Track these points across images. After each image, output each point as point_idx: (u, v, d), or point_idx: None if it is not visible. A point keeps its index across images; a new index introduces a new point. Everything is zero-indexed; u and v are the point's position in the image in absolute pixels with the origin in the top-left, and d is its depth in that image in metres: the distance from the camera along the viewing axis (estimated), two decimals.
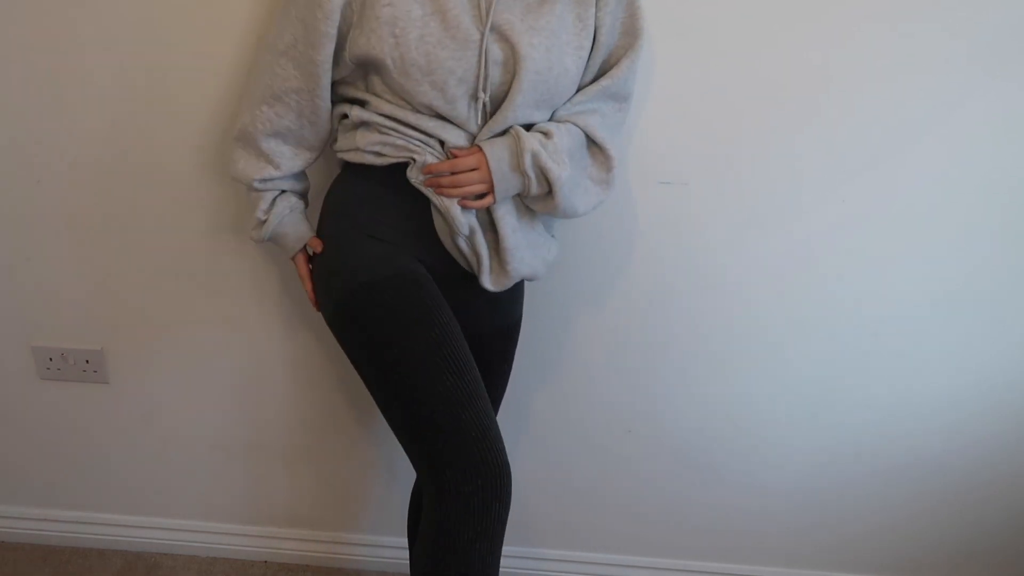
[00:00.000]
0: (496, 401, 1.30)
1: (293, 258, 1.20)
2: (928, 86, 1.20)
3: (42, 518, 1.70)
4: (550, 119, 1.11)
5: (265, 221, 1.17)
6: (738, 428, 1.49)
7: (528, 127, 1.09)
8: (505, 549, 1.69)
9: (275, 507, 1.66)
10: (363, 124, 1.10)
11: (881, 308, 1.36)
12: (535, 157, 1.06)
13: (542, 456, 1.55)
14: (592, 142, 1.13)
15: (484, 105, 1.05)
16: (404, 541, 1.63)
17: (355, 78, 1.11)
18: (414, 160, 1.07)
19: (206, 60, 1.24)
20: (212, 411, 1.56)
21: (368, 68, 1.07)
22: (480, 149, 1.06)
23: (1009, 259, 1.31)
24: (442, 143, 1.07)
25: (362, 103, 1.10)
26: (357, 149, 1.11)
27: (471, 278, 1.15)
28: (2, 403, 1.59)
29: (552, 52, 1.04)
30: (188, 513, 1.68)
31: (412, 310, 1.06)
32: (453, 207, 1.08)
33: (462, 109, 1.05)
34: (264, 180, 1.14)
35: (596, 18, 1.08)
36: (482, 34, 1.01)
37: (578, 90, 1.11)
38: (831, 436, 1.49)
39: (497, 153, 1.06)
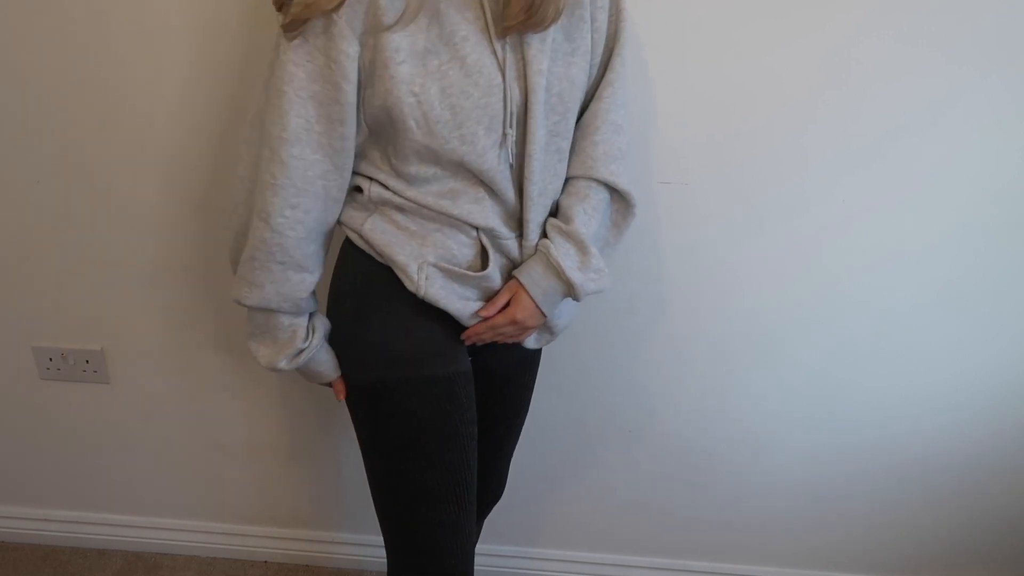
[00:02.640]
0: (518, 429, 1.29)
1: (331, 383, 1.10)
2: (926, 85, 1.19)
3: (42, 518, 1.70)
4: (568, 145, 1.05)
5: (304, 350, 1.03)
6: (738, 428, 1.49)
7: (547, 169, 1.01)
8: (505, 549, 1.69)
9: (275, 507, 1.66)
10: (382, 205, 1.00)
11: (881, 307, 1.36)
12: (588, 293, 1.03)
13: (542, 456, 1.55)
14: (616, 194, 1.06)
15: (511, 145, 0.96)
16: None
17: (364, 148, 1.00)
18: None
19: (208, 60, 1.24)
20: (212, 411, 1.56)
21: (381, 134, 0.97)
22: (520, 293, 1.02)
23: (1011, 256, 1.31)
24: (475, 230, 1.00)
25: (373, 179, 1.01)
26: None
27: None
28: (2, 403, 1.59)
29: (556, 65, 0.97)
30: (188, 513, 1.68)
31: (443, 426, 1.02)
32: (451, 311, 1.02)
33: (492, 159, 0.96)
34: (307, 295, 1.02)
35: (591, 13, 1.01)
36: (503, 73, 0.93)
37: (586, 107, 1.05)
38: (831, 436, 1.49)
39: (548, 298, 1.03)
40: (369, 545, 1.66)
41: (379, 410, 1.04)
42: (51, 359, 1.52)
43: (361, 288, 1.04)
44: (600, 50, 1.03)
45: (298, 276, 0.99)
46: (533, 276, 1.02)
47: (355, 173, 1.00)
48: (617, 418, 1.51)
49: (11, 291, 1.46)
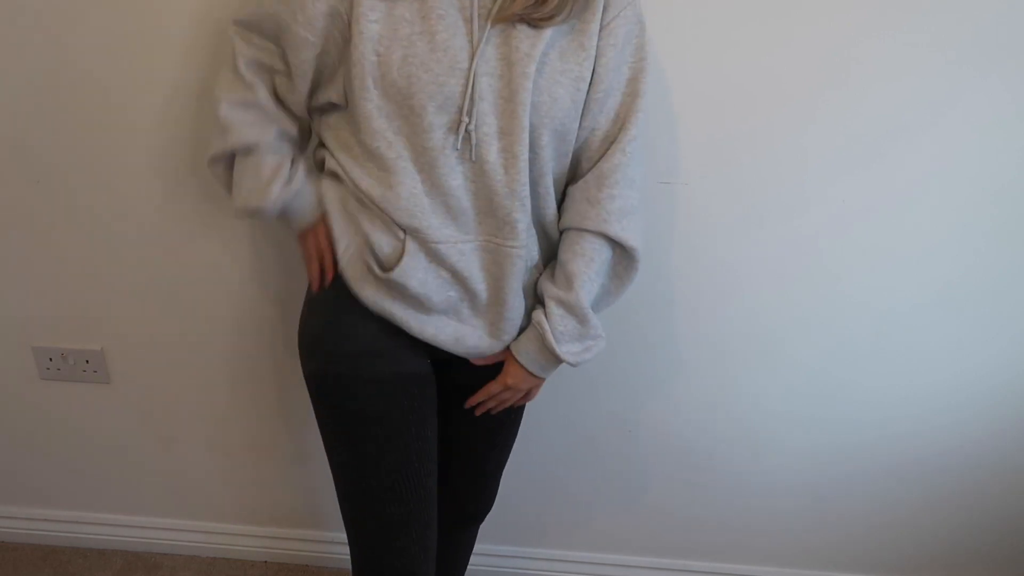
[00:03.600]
0: (502, 446, 1.28)
1: (303, 233, 1.07)
2: (926, 85, 1.19)
3: (42, 518, 1.70)
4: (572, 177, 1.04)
5: (288, 183, 1.01)
6: (738, 428, 1.49)
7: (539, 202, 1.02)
8: (505, 549, 1.69)
9: (275, 507, 1.66)
10: (336, 178, 1.03)
11: (881, 307, 1.36)
12: (576, 357, 1.06)
13: (542, 456, 1.55)
14: (619, 248, 1.04)
15: (469, 135, 0.94)
16: None
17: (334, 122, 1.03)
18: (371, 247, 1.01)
19: (209, 61, 1.24)
20: (212, 411, 1.56)
21: (348, 102, 0.98)
22: (512, 362, 1.07)
23: (1011, 256, 1.31)
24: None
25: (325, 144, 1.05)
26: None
27: None
28: (2, 403, 1.59)
29: (541, 77, 0.94)
30: (188, 513, 1.68)
31: (383, 425, 1.04)
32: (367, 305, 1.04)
33: (437, 139, 0.95)
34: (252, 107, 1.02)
35: (598, 47, 0.96)
36: (471, 60, 0.92)
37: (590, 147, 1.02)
38: (831, 436, 1.49)
39: (543, 369, 1.07)
40: None
41: (321, 402, 1.07)
42: (51, 359, 1.52)
43: (318, 297, 1.07)
44: (603, 87, 0.98)
45: (244, 88, 1.02)
46: (529, 354, 1.06)
47: (321, 147, 1.06)
48: (617, 418, 1.51)
49: (11, 291, 1.46)
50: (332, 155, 1.03)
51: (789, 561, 1.62)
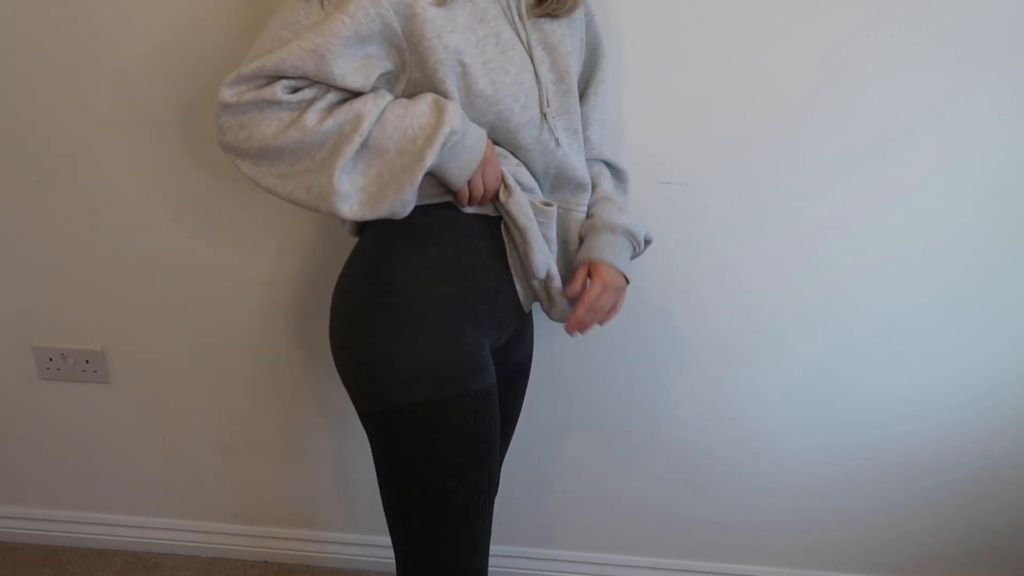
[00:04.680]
0: (509, 435, 1.28)
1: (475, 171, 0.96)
2: (926, 84, 1.19)
3: (42, 518, 1.70)
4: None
5: (454, 130, 0.90)
6: (738, 428, 1.49)
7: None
8: (505, 549, 1.69)
9: (275, 507, 1.66)
10: None
11: (881, 308, 1.36)
12: (641, 233, 1.10)
13: (542, 456, 1.55)
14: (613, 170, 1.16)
15: (553, 124, 1.00)
16: None
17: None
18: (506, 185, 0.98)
19: (210, 61, 1.24)
20: (212, 411, 1.56)
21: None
22: (599, 265, 1.05)
23: (1011, 255, 1.31)
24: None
25: None
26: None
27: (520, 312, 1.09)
28: (2, 403, 1.59)
29: (574, 55, 1.03)
30: (188, 513, 1.68)
31: (485, 440, 0.99)
32: (534, 248, 0.99)
33: (527, 138, 0.99)
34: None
35: (587, 13, 1.08)
36: (530, 53, 0.97)
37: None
38: (831, 435, 1.49)
39: (620, 259, 1.06)
40: (369, 545, 1.66)
41: (422, 430, 0.97)
42: (51, 359, 1.52)
43: (401, 296, 0.97)
44: (587, 47, 1.11)
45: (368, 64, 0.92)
46: (596, 245, 1.06)
47: None
48: (617, 418, 1.51)
49: (11, 291, 1.46)
50: None
51: (789, 561, 1.62)
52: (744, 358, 1.43)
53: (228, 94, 0.88)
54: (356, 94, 0.90)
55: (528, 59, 0.96)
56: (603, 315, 1.07)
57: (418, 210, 0.95)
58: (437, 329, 0.96)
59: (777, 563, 1.63)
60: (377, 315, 0.97)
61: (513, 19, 0.95)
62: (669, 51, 1.20)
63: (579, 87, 1.09)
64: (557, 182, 1.05)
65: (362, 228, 1.08)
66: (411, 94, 0.93)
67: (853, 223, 1.30)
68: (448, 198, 0.99)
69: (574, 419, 1.52)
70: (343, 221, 1.09)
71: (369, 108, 0.88)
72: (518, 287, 1.05)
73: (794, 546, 1.61)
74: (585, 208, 1.09)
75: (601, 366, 1.45)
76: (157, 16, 1.21)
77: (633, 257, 1.11)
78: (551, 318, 1.09)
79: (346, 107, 0.88)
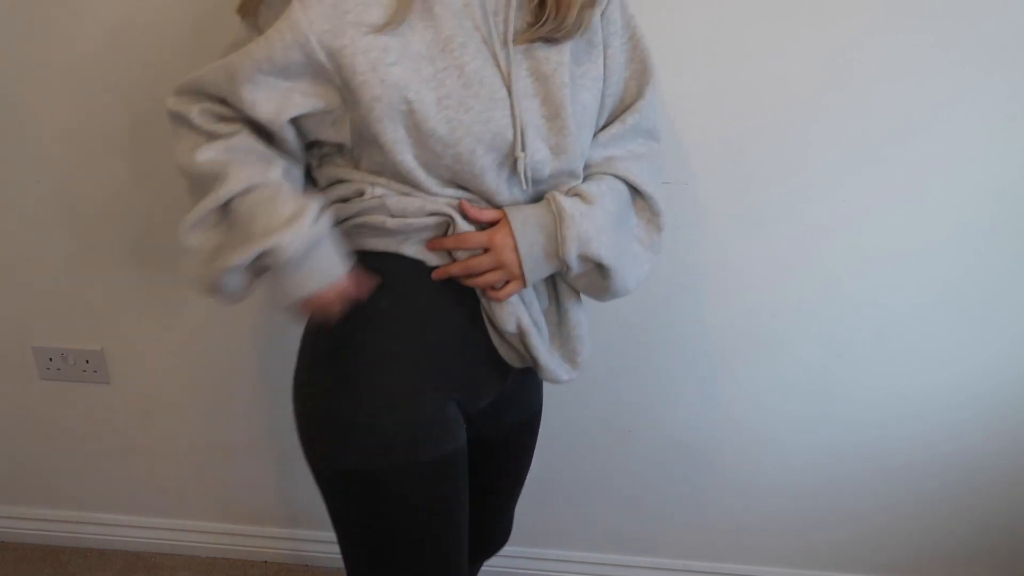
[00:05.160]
0: (523, 478, 1.21)
1: (321, 295, 0.86)
2: (929, 87, 1.19)
3: (42, 518, 1.70)
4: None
5: (315, 221, 0.83)
6: (738, 428, 1.49)
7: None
8: (505, 549, 1.69)
9: (275, 507, 1.66)
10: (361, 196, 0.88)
11: (881, 308, 1.36)
12: (584, 245, 0.87)
13: (542, 456, 1.55)
14: (637, 195, 0.95)
15: (526, 170, 0.85)
16: None
17: (333, 151, 0.90)
18: (453, 222, 0.86)
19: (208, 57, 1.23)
20: (212, 411, 1.56)
21: (361, 143, 0.85)
22: (504, 221, 0.87)
23: (1012, 256, 1.31)
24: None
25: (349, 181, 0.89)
26: (363, 223, 0.88)
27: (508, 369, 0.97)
28: (2, 403, 1.59)
29: (571, 86, 0.87)
30: (188, 513, 1.68)
31: (440, 511, 0.92)
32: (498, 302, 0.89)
33: (492, 182, 0.85)
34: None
35: (603, 39, 0.92)
36: (508, 88, 0.83)
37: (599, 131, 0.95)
38: (832, 435, 1.49)
39: (529, 237, 0.86)
40: None
41: (366, 497, 0.90)
42: (51, 359, 1.52)
43: (344, 352, 0.89)
44: (615, 79, 0.94)
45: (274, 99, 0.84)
46: (524, 217, 0.87)
47: (341, 181, 0.90)
48: (617, 418, 1.51)
49: (11, 291, 1.46)
50: (366, 184, 0.87)
51: (789, 561, 1.62)
52: (745, 358, 1.43)
53: (170, 102, 0.88)
54: (268, 131, 0.84)
55: (505, 93, 0.83)
56: (473, 282, 0.89)
57: (372, 257, 0.89)
58: (383, 391, 0.88)
59: (777, 563, 1.63)
60: (324, 369, 0.91)
61: (493, 47, 0.83)
62: (670, 52, 1.19)
63: (608, 117, 0.95)
64: None
65: None
66: (357, 141, 0.85)
67: (854, 224, 1.29)
68: (406, 252, 0.89)
69: (574, 419, 1.52)
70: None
71: (246, 175, 0.82)
72: (495, 343, 0.94)
73: (794, 546, 1.61)
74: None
75: (601, 366, 1.45)
76: (160, 17, 1.21)
77: (564, 275, 0.92)
78: (541, 378, 0.97)
79: (235, 161, 0.83)
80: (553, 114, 0.86)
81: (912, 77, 1.19)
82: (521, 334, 0.91)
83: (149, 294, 1.44)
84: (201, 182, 0.85)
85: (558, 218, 0.87)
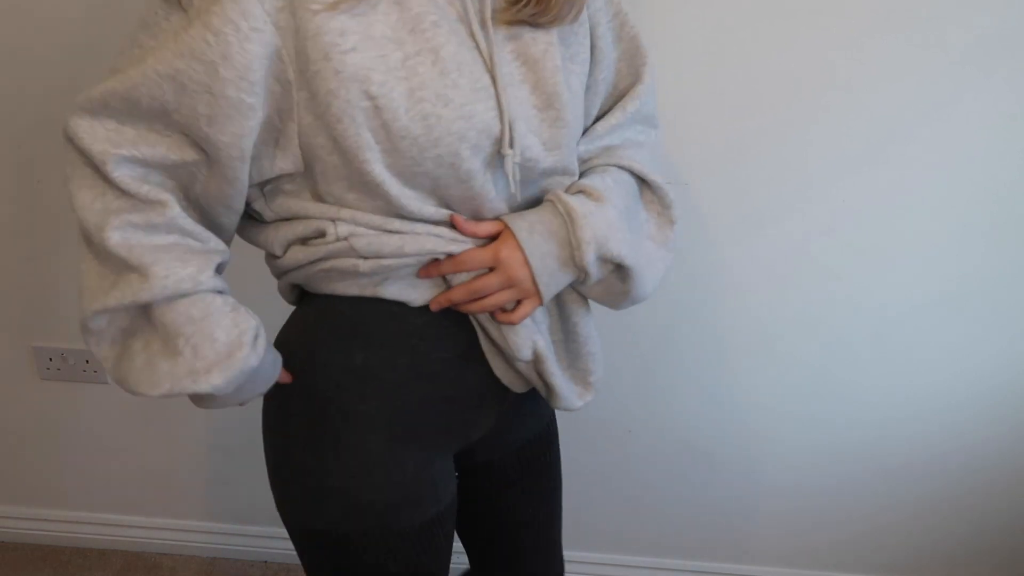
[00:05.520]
0: (559, 503, 1.07)
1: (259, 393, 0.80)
2: (928, 86, 1.19)
3: (42, 518, 1.70)
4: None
5: (255, 341, 0.73)
6: (738, 428, 1.49)
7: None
8: None
9: (275, 507, 1.66)
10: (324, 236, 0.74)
11: (881, 308, 1.36)
12: (602, 246, 0.76)
13: None
14: (644, 186, 0.85)
15: (513, 170, 0.73)
16: None
17: (282, 179, 0.74)
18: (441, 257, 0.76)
19: None
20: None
21: (315, 163, 0.71)
22: (507, 232, 0.76)
23: (1012, 256, 1.31)
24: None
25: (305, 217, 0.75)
26: (328, 267, 0.76)
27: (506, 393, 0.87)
28: (2, 403, 1.59)
29: (563, 71, 0.76)
30: (188, 513, 1.68)
31: (426, 571, 0.84)
32: (510, 327, 0.78)
33: (479, 186, 0.73)
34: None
35: (590, 16, 0.80)
36: (491, 74, 0.70)
37: (595, 121, 0.85)
38: (831, 435, 1.49)
39: (539, 246, 0.75)
40: None
41: (336, 560, 0.83)
42: (51, 359, 1.52)
43: (315, 408, 0.80)
44: (607, 63, 0.83)
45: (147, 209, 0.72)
46: (529, 225, 0.76)
47: (298, 218, 0.76)
48: (617, 418, 1.51)
49: (11, 291, 1.46)
50: (326, 221, 0.74)
51: (789, 561, 1.62)
52: (745, 358, 1.43)
53: (72, 125, 0.69)
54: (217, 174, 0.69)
55: (488, 81, 0.70)
56: (480, 306, 0.78)
57: (344, 302, 0.78)
58: (357, 453, 0.78)
59: (777, 563, 1.63)
60: (296, 421, 0.81)
61: (471, 26, 0.70)
62: (669, 53, 1.19)
63: (602, 106, 0.86)
64: None
65: (300, 297, 0.88)
66: (310, 162, 0.71)
67: (854, 224, 1.29)
68: (385, 294, 0.77)
69: (574, 419, 1.52)
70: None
71: (169, 278, 0.68)
72: (498, 373, 0.84)
73: (794, 546, 1.61)
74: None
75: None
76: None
77: (580, 283, 0.81)
78: (552, 406, 0.89)
79: (146, 247, 0.69)
80: (545, 104, 0.74)
81: (912, 77, 1.19)
82: (537, 360, 0.81)
83: None
84: (108, 259, 0.73)
85: (568, 219, 0.75)
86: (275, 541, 1.68)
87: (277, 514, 1.73)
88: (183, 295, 0.69)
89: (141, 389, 0.72)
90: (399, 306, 0.78)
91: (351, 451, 0.78)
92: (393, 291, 0.77)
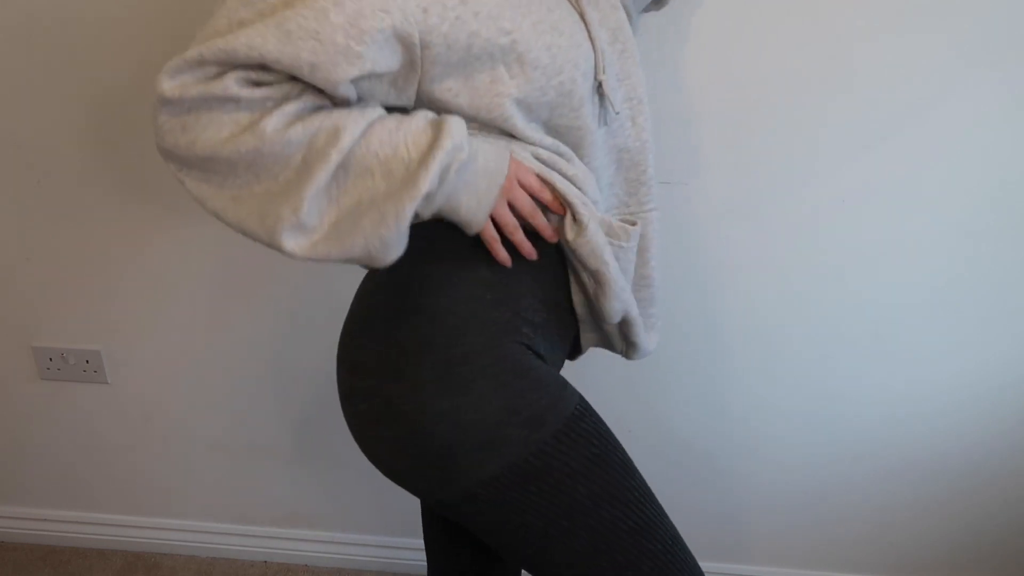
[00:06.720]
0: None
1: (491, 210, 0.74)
2: (927, 82, 1.19)
3: (42, 518, 1.70)
4: None
5: (465, 154, 0.69)
6: (738, 427, 1.49)
7: None
8: None
9: (275, 507, 1.66)
10: None
11: (882, 306, 1.36)
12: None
13: None
14: None
15: (611, 96, 0.78)
16: (404, 541, 1.63)
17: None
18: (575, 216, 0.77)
19: None
20: (212, 411, 1.56)
21: (428, 104, 0.73)
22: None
23: (1013, 255, 1.31)
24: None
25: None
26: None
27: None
28: (2, 403, 1.59)
29: (620, 9, 0.83)
30: (188, 513, 1.68)
31: (611, 454, 0.81)
32: (609, 293, 0.80)
33: (587, 117, 0.77)
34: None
35: None
36: (578, 10, 0.77)
37: None
38: (832, 435, 1.48)
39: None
40: (369, 545, 1.66)
41: (546, 484, 0.76)
42: (51, 359, 1.52)
43: (445, 337, 0.75)
44: None
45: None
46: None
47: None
48: (617, 418, 1.51)
49: (11, 291, 1.46)
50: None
51: (789, 561, 1.62)
52: (744, 357, 1.43)
53: (168, 86, 0.65)
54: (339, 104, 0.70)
55: (577, 15, 0.76)
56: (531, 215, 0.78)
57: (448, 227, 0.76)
58: (497, 360, 0.75)
59: (777, 563, 1.63)
60: (426, 369, 0.75)
61: None
62: (669, 52, 1.19)
63: None
64: (617, 174, 0.85)
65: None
66: (426, 95, 0.73)
67: (853, 222, 1.29)
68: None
69: None
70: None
71: (355, 118, 0.67)
72: (582, 331, 0.88)
73: (794, 546, 1.61)
74: (654, 206, 0.87)
75: (601, 366, 1.45)
76: (162, 16, 1.21)
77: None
78: (627, 358, 0.93)
79: (322, 115, 0.67)
80: (613, 37, 0.80)
81: (912, 73, 1.19)
82: (626, 323, 0.85)
83: (149, 294, 1.44)
84: (269, 161, 0.67)
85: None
86: (275, 541, 1.68)
87: (277, 514, 1.73)
88: (372, 124, 0.68)
89: (395, 204, 0.67)
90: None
91: (499, 363, 0.75)
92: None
